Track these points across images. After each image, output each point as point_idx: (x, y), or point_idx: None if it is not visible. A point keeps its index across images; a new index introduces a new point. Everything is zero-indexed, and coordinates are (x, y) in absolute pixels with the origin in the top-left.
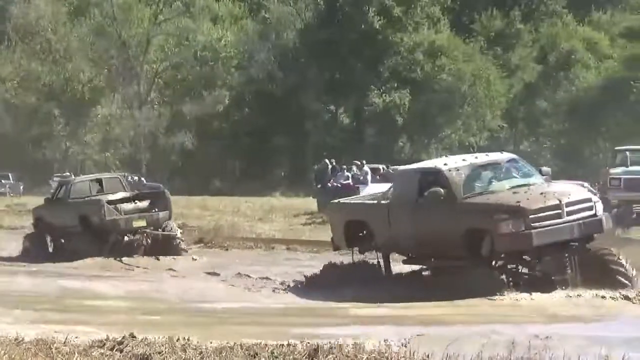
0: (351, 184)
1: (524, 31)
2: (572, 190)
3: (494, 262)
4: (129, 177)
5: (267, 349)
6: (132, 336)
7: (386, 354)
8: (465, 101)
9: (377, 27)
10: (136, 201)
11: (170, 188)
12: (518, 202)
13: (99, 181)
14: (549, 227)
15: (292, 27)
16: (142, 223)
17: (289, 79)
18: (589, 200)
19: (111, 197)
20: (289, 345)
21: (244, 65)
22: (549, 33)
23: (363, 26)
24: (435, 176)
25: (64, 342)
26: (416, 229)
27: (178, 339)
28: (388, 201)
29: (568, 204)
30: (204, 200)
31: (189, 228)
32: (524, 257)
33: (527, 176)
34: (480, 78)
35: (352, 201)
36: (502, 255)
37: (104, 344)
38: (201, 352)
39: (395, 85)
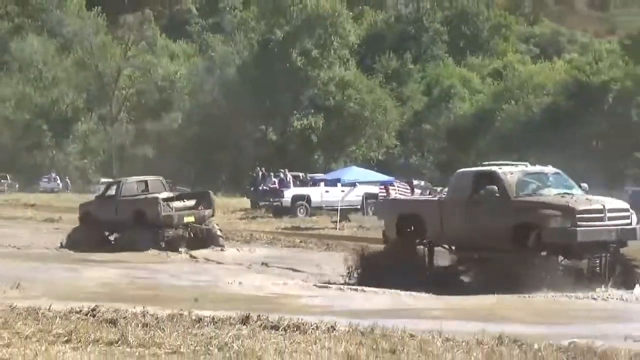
0: (277, 187)
1: (414, 70)
2: (614, 201)
3: (536, 254)
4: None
5: (210, 316)
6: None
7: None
8: (367, 124)
9: (299, 65)
10: (184, 200)
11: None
12: (567, 202)
13: (145, 182)
14: (592, 228)
15: (232, 64)
16: (192, 219)
17: (229, 105)
18: (628, 210)
19: (164, 195)
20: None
21: (194, 93)
22: (433, 72)
23: (288, 64)
24: (491, 177)
25: (49, 309)
26: (468, 223)
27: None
28: (442, 198)
29: (610, 210)
30: None
31: None
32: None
33: (569, 187)
34: (379, 106)
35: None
36: (545, 250)
37: (81, 311)
38: (157, 318)
39: (312, 111)
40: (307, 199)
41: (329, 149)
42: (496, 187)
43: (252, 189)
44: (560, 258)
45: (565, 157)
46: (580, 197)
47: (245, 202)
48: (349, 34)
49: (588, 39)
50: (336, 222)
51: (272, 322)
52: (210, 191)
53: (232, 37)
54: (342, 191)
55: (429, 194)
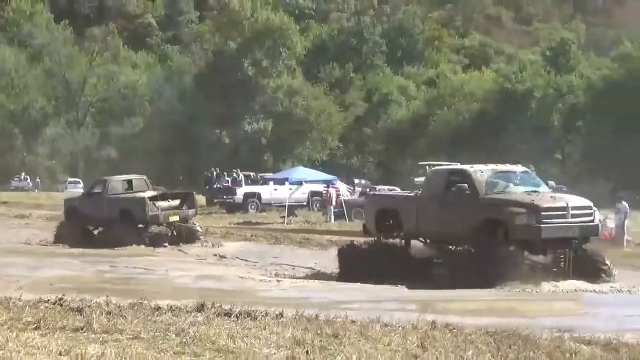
0: (230, 185)
1: (355, 79)
2: (577, 198)
3: (502, 249)
4: None
5: (168, 305)
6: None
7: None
8: (313, 128)
9: (251, 74)
10: (169, 200)
11: None
12: (532, 200)
13: (130, 181)
14: (556, 225)
15: (189, 73)
16: (176, 218)
17: (186, 110)
18: (590, 208)
19: (149, 194)
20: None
21: (154, 100)
22: (373, 80)
23: (240, 73)
24: (462, 175)
25: (19, 299)
26: (440, 218)
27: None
28: (418, 194)
29: (573, 208)
30: None
31: None
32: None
33: (537, 185)
34: (323, 112)
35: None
36: (511, 245)
37: (49, 300)
38: (119, 307)
39: (262, 116)
40: (258, 196)
41: (278, 151)
42: (466, 185)
43: (207, 187)
44: (526, 253)
45: (493, 158)
46: (545, 196)
47: (201, 199)
48: (296, 46)
49: (513, 51)
50: (284, 217)
51: (225, 310)
52: (194, 192)
53: (189, 49)
54: (290, 189)
55: (368, 191)
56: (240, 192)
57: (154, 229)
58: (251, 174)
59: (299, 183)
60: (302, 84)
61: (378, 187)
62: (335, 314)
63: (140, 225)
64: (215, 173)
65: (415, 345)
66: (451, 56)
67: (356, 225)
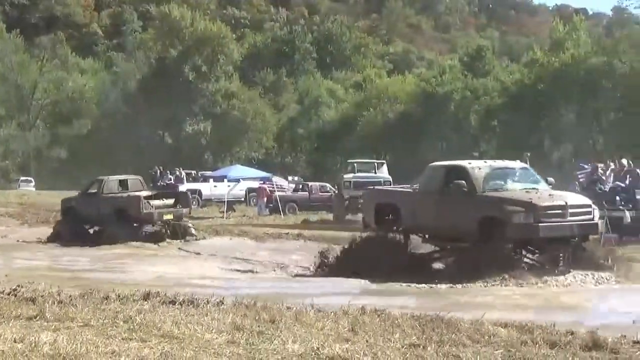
0: (173, 183)
1: (288, 83)
2: (576, 196)
3: (500, 248)
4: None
5: (115, 292)
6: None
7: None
8: (249, 129)
9: (191, 78)
10: (163, 198)
11: (53, 186)
12: (530, 199)
13: (125, 181)
14: (554, 223)
15: (133, 78)
16: (170, 217)
17: (131, 113)
18: (590, 206)
19: (144, 194)
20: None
21: (101, 103)
22: (305, 84)
23: (181, 78)
24: (460, 172)
25: None
26: (438, 214)
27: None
28: (417, 189)
29: (572, 207)
30: (74, 194)
31: None
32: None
33: (535, 182)
34: (259, 113)
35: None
36: (511, 243)
37: (3, 291)
38: (70, 296)
39: (202, 118)
40: (199, 192)
41: (217, 150)
42: (464, 182)
43: (151, 185)
44: (524, 252)
45: (415, 157)
46: (544, 194)
47: None
48: (233, 52)
49: (433, 56)
50: (223, 212)
51: (169, 298)
52: (188, 191)
53: (133, 55)
54: (228, 186)
55: (301, 187)
56: (183, 189)
57: (149, 227)
58: (192, 172)
59: (237, 180)
60: (238, 87)
61: (310, 184)
62: (274, 299)
63: (135, 225)
64: (159, 171)
65: (346, 329)
66: (376, 62)
67: (290, 219)
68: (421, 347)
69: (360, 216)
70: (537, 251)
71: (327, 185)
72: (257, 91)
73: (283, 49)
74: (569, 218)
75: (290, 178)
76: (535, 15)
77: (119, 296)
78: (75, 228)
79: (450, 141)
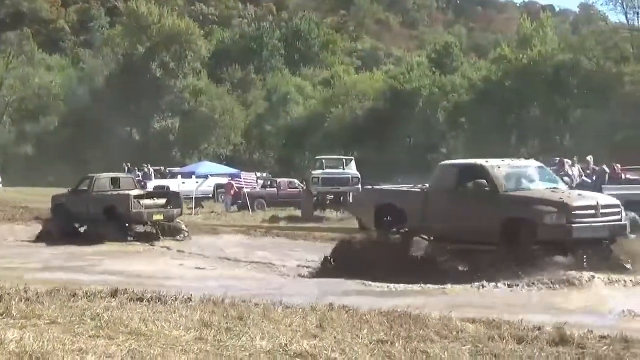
0: (141, 179)
1: (256, 79)
2: (605, 196)
3: (528, 250)
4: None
5: (83, 292)
6: None
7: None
8: (217, 125)
9: (159, 75)
10: (154, 198)
11: (19, 183)
12: (561, 198)
13: (117, 179)
14: (587, 224)
15: (101, 75)
16: (160, 217)
17: (99, 110)
18: (619, 206)
19: (135, 193)
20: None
21: (68, 100)
22: (273, 81)
23: (149, 75)
24: (478, 170)
25: None
26: (453, 215)
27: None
28: (425, 189)
29: (603, 207)
30: (42, 190)
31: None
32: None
33: (554, 181)
34: (227, 110)
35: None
36: (537, 246)
37: None
38: (37, 293)
39: (170, 114)
40: (167, 189)
41: (185, 147)
42: (485, 181)
43: None
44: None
45: (384, 152)
46: (572, 193)
47: None
48: (201, 49)
49: (401, 53)
50: (192, 208)
51: (137, 295)
52: (180, 192)
53: (101, 52)
54: (197, 182)
55: (269, 184)
56: (151, 185)
57: (140, 228)
58: (161, 168)
59: (205, 177)
60: (207, 84)
61: (279, 180)
62: (241, 296)
63: (125, 224)
64: (127, 168)
65: (314, 325)
66: (345, 59)
67: (259, 216)
68: (389, 343)
69: (329, 212)
70: (567, 254)
71: (296, 181)
72: (225, 88)
73: (251, 46)
74: (601, 218)
75: (258, 174)
76: (503, 11)
77: (87, 293)
78: (66, 227)
79: (419, 138)
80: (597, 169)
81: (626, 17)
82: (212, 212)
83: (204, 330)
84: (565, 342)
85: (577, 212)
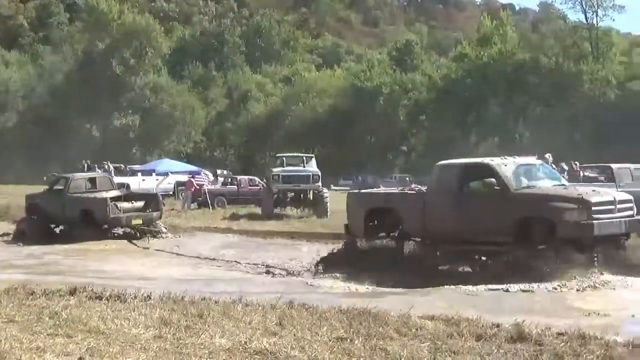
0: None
1: (217, 77)
2: (619, 192)
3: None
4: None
5: (40, 287)
6: None
7: None
8: (178, 122)
9: (119, 72)
10: (132, 201)
11: None
12: (579, 194)
13: (93, 179)
14: (606, 221)
15: (60, 71)
16: (139, 221)
17: (58, 106)
18: (631, 202)
19: (110, 195)
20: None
21: (27, 96)
22: (234, 78)
23: (109, 72)
24: (484, 169)
25: None
26: (458, 216)
27: None
28: (421, 191)
29: (620, 202)
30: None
31: None
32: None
33: (556, 179)
34: (187, 107)
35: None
36: (554, 244)
37: None
38: None
39: (130, 111)
40: (127, 186)
41: (145, 144)
42: (494, 180)
43: None
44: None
45: (344, 150)
46: (587, 189)
47: None
48: (161, 46)
49: (362, 51)
50: None
51: (96, 293)
52: (159, 194)
53: (60, 48)
54: (157, 179)
55: (230, 182)
56: None
57: (119, 230)
58: (120, 165)
59: (165, 174)
60: (167, 81)
61: (239, 178)
62: (199, 295)
63: (105, 226)
64: (86, 165)
65: (274, 323)
66: (305, 56)
67: (219, 213)
68: (348, 340)
69: (289, 210)
70: (586, 252)
71: (256, 179)
72: (186, 85)
73: (212, 43)
74: (618, 214)
75: (219, 172)
76: (463, 10)
77: (45, 292)
78: (40, 227)
79: (379, 135)
80: (554, 166)
81: (585, 15)
82: (172, 209)
83: (163, 328)
84: (523, 339)
85: (596, 207)
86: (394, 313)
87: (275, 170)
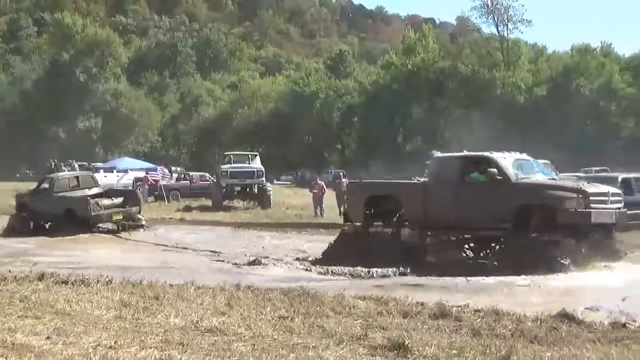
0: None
1: (171, 83)
2: (607, 186)
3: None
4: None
5: (12, 276)
6: None
7: None
8: (136, 125)
9: (82, 80)
10: (112, 198)
11: None
12: (578, 185)
13: (77, 178)
14: (600, 210)
15: (30, 79)
16: (120, 217)
17: (28, 111)
18: (621, 195)
19: (91, 193)
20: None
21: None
22: (186, 85)
23: (73, 79)
24: (486, 161)
25: None
26: (460, 205)
27: None
28: (422, 181)
29: (612, 194)
30: None
31: None
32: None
33: (548, 173)
34: (145, 111)
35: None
36: (561, 230)
37: None
38: None
39: (93, 115)
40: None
41: (107, 144)
42: (496, 170)
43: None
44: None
45: (285, 148)
46: (579, 180)
47: None
48: (121, 56)
49: (301, 60)
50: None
51: (62, 278)
52: (137, 190)
53: (29, 58)
54: (117, 176)
55: (183, 178)
56: None
57: (105, 225)
58: (85, 163)
59: (125, 171)
60: (126, 88)
61: (191, 174)
62: (157, 278)
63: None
64: (54, 163)
65: (223, 304)
66: (250, 65)
67: (174, 205)
68: (289, 318)
69: (236, 202)
70: (582, 238)
71: (207, 174)
72: (143, 91)
73: (166, 53)
74: (610, 205)
75: (173, 168)
76: (390, 23)
77: (16, 277)
78: (29, 223)
79: (316, 135)
80: None
81: (497, 28)
82: None
83: (123, 309)
84: (445, 315)
85: (593, 197)
86: (330, 294)
87: (224, 167)
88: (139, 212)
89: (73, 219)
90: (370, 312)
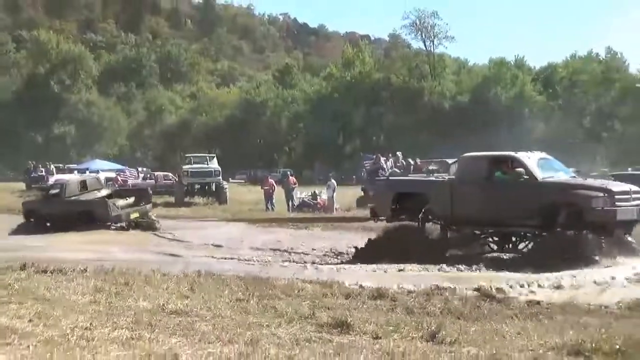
0: (44, 174)
1: (137, 94)
2: (627, 185)
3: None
4: None
5: None
6: None
7: None
8: (106, 131)
9: (57, 90)
10: (126, 198)
11: None
12: (603, 184)
13: (84, 181)
14: (625, 208)
15: (9, 90)
16: (136, 215)
17: (8, 118)
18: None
19: (104, 193)
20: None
21: None
22: (150, 95)
23: (49, 90)
24: (512, 161)
25: None
26: (487, 203)
27: None
28: (449, 179)
29: (634, 192)
30: None
31: None
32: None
33: (567, 171)
34: (114, 118)
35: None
36: (578, 228)
37: None
38: None
39: (67, 122)
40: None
41: (80, 148)
42: (524, 170)
43: (27, 176)
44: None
45: (240, 150)
46: (603, 179)
47: (22, 185)
48: (92, 69)
49: (253, 72)
50: None
51: (42, 268)
52: (149, 189)
53: (8, 71)
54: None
55: (149, 177)
56: (52, 179)
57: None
58: (60, 165)
59: (97, 172)
60: (96, 98)
61: (156, 173)
62: (128, 266)
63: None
64: (32, 165)
65: (186, 288)
66: (207, 77)
67: None
68: (245, 300)
69: (196, 199)
70: (607, 236)
71: (170, 174)
72: (112, 100)
73: (132, 66)
74: (632, 202)
75: (139, 169)
76: (331, 40)
77: None
78: (41, 229)
79: (267, 139)
80: (404, 162)
81: (424, 44)
82: None
83: (97, 294)
84: (382, 296)
85: (618, 196)
86: (282, 278)
87: (185, 167)
88: (151, 209)
89: (89, 221)
90: (316, 294)
